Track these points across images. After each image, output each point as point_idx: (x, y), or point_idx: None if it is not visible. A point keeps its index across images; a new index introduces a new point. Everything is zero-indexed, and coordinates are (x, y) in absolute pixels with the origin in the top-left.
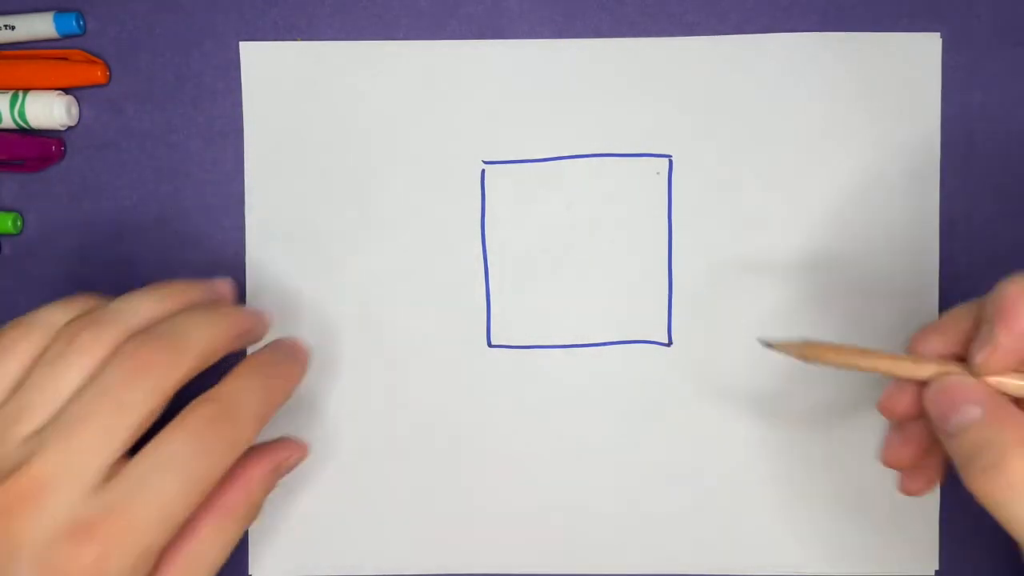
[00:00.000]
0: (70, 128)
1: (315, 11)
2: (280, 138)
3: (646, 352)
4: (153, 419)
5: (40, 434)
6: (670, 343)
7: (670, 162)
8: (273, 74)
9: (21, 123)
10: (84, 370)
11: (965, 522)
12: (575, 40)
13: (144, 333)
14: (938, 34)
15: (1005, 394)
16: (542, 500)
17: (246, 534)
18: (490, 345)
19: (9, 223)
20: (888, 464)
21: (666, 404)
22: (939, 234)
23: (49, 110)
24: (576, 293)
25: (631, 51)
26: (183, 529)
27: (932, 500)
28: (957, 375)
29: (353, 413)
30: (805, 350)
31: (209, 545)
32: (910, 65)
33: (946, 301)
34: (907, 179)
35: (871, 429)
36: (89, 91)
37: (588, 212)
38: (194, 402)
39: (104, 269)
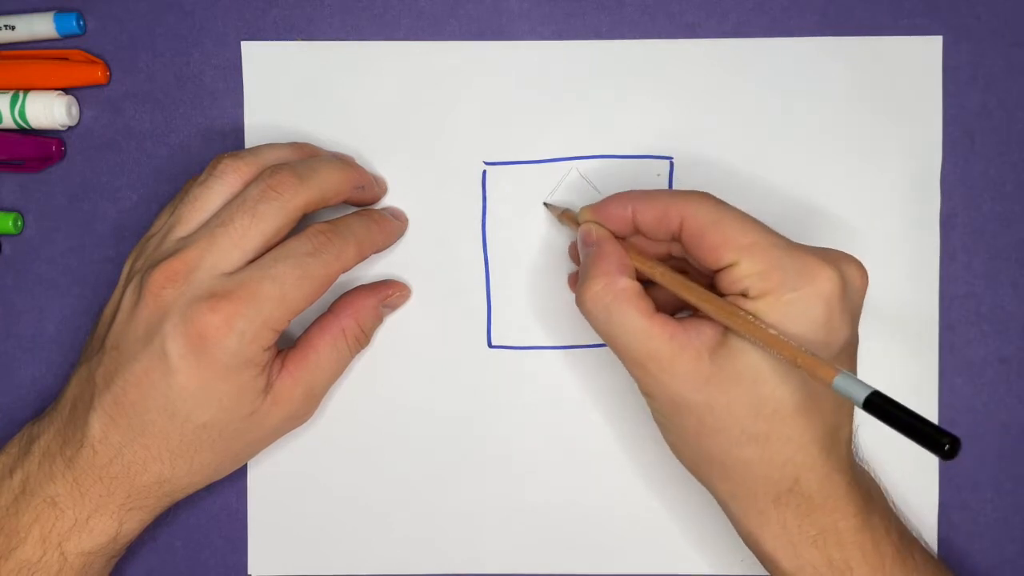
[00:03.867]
0: (70, 128)
1: (315, 11)
2: (280, 138)
3: None
4: (281, 235)
5: (193, 234)
6: None
7: (671, 164)
8: (274, 74)
9: (21, 123)
10: (228, 190)
11: (964, 528)
12: (576, 41)
13: (278, 164)
14: (939, 38)
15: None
16: (542, 500)
17: (246, 532)
18: (490, 345)
19: (9, 223)
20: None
21: None
22: (939, 234)
23: (49, 110)
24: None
25: (632, 53)
26: (305, 346)
27: (931, 507)
28: (594, 224)
29: (353, 413)
30: (563, 216)
31: (325, 358)
32: (911, 68)
33: (946, 301)
34: (907, 179)
35: (873, 431)
36: (89, 91)
37: None
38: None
39: (104, 269)
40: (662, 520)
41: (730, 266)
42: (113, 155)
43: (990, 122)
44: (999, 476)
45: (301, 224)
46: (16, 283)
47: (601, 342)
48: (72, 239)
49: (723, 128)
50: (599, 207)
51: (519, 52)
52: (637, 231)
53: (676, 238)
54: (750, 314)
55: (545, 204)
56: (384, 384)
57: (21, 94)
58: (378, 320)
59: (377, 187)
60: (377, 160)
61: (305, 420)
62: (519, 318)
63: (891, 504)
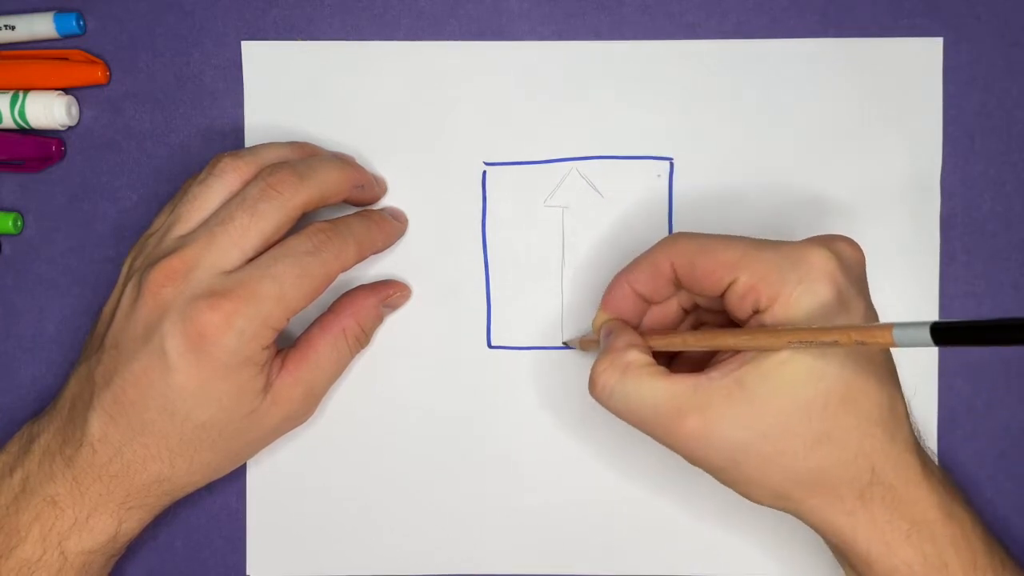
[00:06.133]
0: (70, 128)
1: (315, 11)
2: (280, 137)
3: None
4: (280, 233)
5: (192, 233)
6: None
7: (671, 165)
8: (274, 74)
9: (21, 123)
10: (227, 189)
11: None
12: (576, 41)
13: (277, 163)
14: (939, 39)
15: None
16: (541, 500)
17: (244, 531)
18: (490, 346)
19: (9, 223)
20: None
21: None
22: (939, 234)
23: (49, 110)
24: (576, 295)
25: (632, 53)
26: (305, 345)
27: None
28: (609, 320)
29: (352, 413)
30: (582, 343)
31: (325, 357)
32: (911, 69)
33: (946, 301)
34: (907, 180)
35: None
36: (89, 91)
37: (589, 214)
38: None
39: (104, 269)
40: (662, 520)
41: (731, 285)
42: (113, 155)
43: (990, 122)
44: (999, 476)
45: (301, 223)
46: (16, 283)
47: None
48: (72, 239)
49: (723, 128)
50: (604, 301)
51: (519, 52)
52: (648, 302)
53: (677, 284)
54: (777, 324)
55: (564, 343)
56: (384, 384)
57: (21, 94)
58: (378, 320)
59: (377, 187)
60: (377, 160)
61: (305, 420)
62: (519, 318)
63: (968, 498)
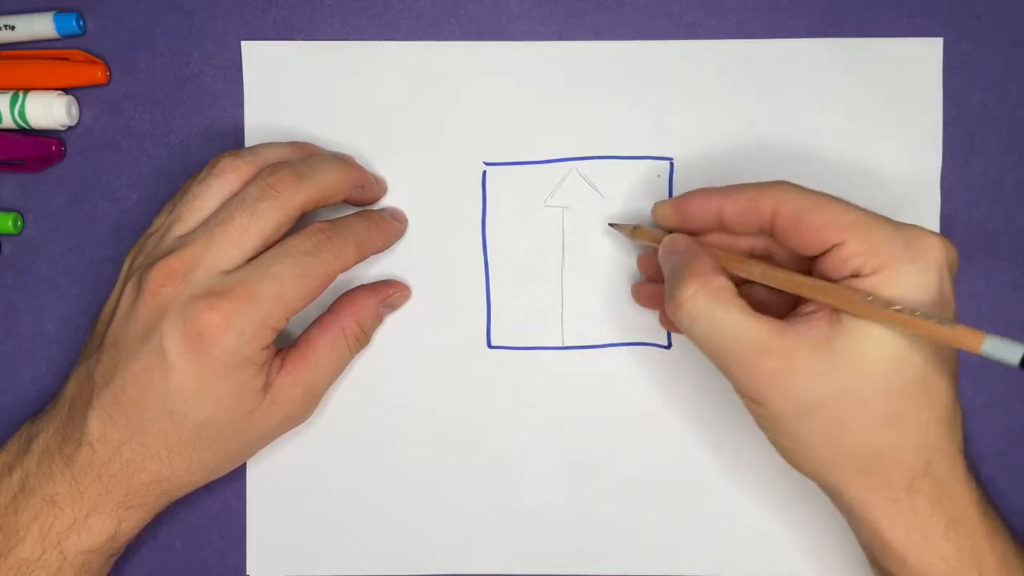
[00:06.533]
0: (70, 128)
1: (315, 11)
2: (280, 137)
3: (646, 354)
4: (280, 233)
5: (192, 232)
6: (669, 346)
7: (671, 165)
8: (274, 73)
9: (21, 123)
10: (227, 189)
11: None
12: (576, 41)
13: (277, 163)
14: (939, 40)
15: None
16: (541, 500)
17: (244, 531)
18: (490, 346)
19: (9, 223)
20: (640, 302)
21: (665, 406)
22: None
23: (49, 110)
24: (576, 295)
25: (632, 53)
26: (304, 345)
27: None
28: (679, 235)
29: (353, 413)
30: (635, 232)
31: (325, 357)
32: (911, 69)
33: None
34: (907, 179)
35: None
36: (89, 91)
37: (589, 214)
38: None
39: (104, 269)
40: (661, 520)
41: (835, 247)
42: (113, 155)
43: (990, 122)
44: (999, 476)
45: (301, 223)
46: (16, 283)
47: (602, 343)
48: (72, 239)
49: (723, 128)
50: (680, 204)
51: (519, 52)
52: (720, 228)
53: (764, 230)
54: (870, 294)
55: (611, 225)
56: (384, 384)
57: (21, 94)
58: (378, 320)
59: (377, 187)
60: (377, 160)
61: (304, 420)
62: (519, 318)
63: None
